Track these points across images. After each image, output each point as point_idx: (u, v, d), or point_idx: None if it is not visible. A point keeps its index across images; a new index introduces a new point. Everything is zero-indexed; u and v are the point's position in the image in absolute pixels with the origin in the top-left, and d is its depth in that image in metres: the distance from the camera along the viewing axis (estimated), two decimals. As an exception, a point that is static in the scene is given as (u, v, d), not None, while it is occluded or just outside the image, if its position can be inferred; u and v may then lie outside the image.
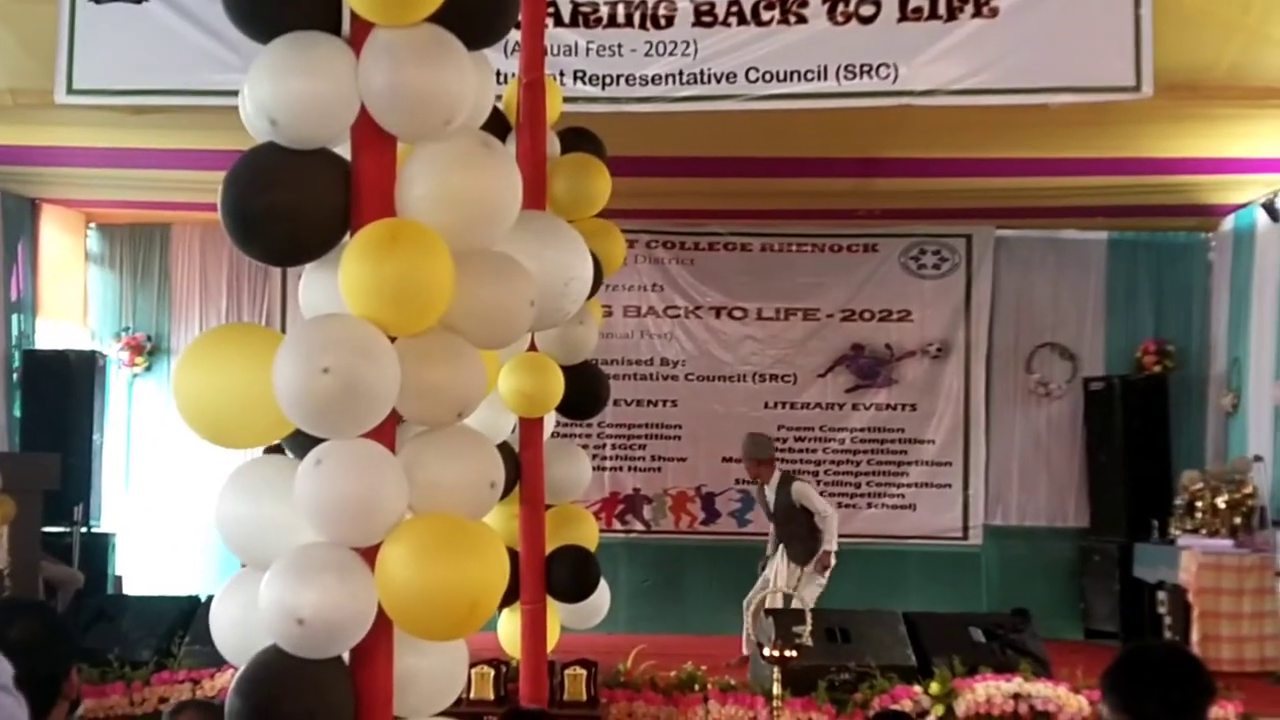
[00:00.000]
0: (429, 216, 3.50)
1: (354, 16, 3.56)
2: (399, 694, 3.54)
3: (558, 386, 6.06)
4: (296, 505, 3.41)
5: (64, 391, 13.11)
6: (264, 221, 3.50)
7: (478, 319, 3.59)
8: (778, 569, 11.30)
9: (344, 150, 3.61)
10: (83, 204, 13.96)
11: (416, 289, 3.42)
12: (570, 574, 6.26)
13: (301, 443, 3.51)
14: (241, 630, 3.57)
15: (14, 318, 13.32)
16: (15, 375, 13.27)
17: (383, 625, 3.46)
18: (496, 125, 6.16)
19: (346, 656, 3.48)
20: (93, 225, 14.49)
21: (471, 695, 9.40)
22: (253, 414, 3.51)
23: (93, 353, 13.66)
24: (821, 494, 12.00)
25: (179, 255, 14.45)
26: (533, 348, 6.11)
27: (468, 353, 3.57)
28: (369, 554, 3.44)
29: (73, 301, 14.21)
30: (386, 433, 3.52)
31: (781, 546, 11.41)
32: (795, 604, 10.57)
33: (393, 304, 3.41)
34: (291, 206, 3.49)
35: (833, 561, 11.39)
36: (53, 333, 13.76)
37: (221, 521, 3.61)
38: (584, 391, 6.31)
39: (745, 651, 10.88)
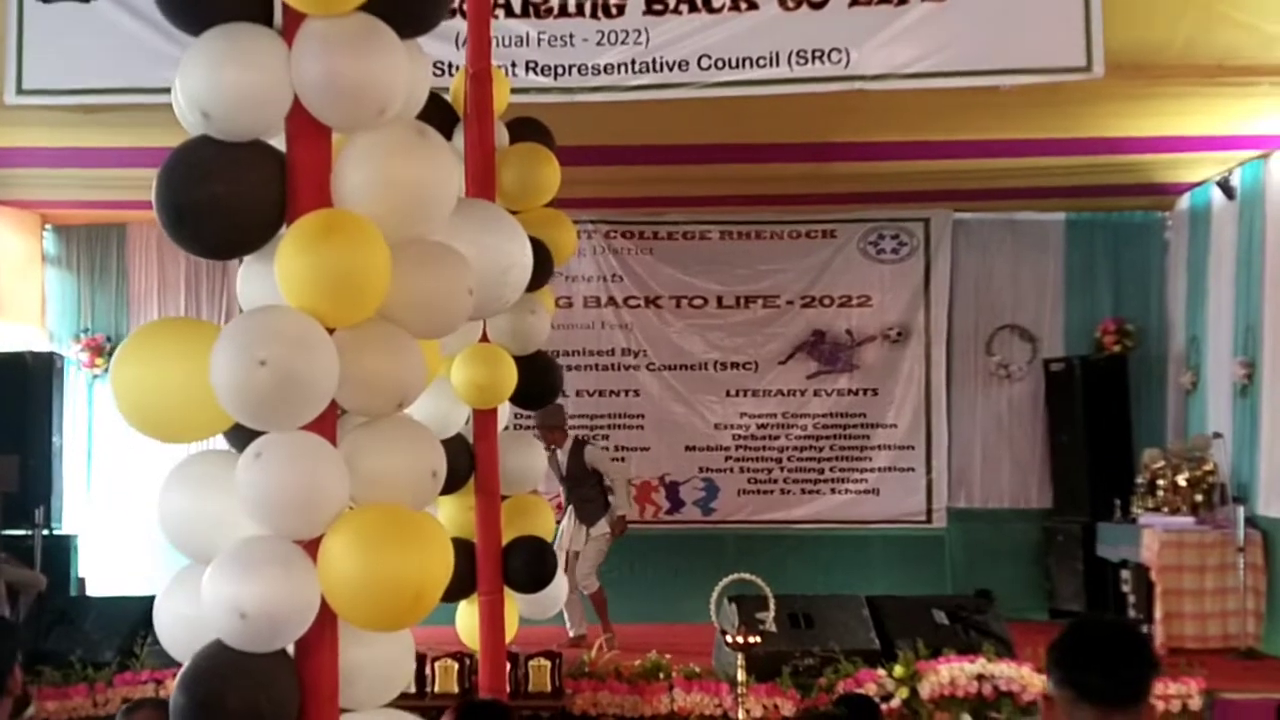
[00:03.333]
0: (365, 206, 3.49)
1: (286, 7, 3.54)
2: (345, 686, 3.53)
3: (510, 377, 6.04)
4: (237, 499, 3.40)
5: (22, 394, 13.02)
6: (199, 215, 3.48)
7: (416, 308, 3.58)
8: (565, 529, 11.72)
9: (279, 142, 3.60)
10: (38, 205, 13.86)
11: (353, 279, 3.41)
12: (527, 564, 6.24)
13: (242, 436, 3.50)
14: (187, 626, 3.55)
15: (-31, 321, 13.26)
16: (-28, 378, 13.20)
17: (326, 617, 3.45)
18: (444, 116, 6.16)
19: (291, 649, 3.47)
20: (48, 226, 14.40)
21: (436, 689, 9.41)
22: (192, 408, 3.49)
23: (51, 354, 13.57)
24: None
25: (136, 254, 14.38)
26: (485, 339, 6.09)
27: (407, 343, 3.56)
28: (311, 546, 3.43)
29: (30, 303, 14.12)
30: (327, 424, 3.51)
31: (571, 508, 11.90)
32: (581, 564, 11.66)
33: (329, 295, 3.40)
34: (226, 199, 3.47)
35: (627, 527, 12.07)
36: (10, 335, 13.65)
37: (163, 517, 3.60)
38: (537, 381, 6.30)
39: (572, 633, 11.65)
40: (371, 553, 3.38)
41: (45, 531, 12.23)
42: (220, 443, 3.69)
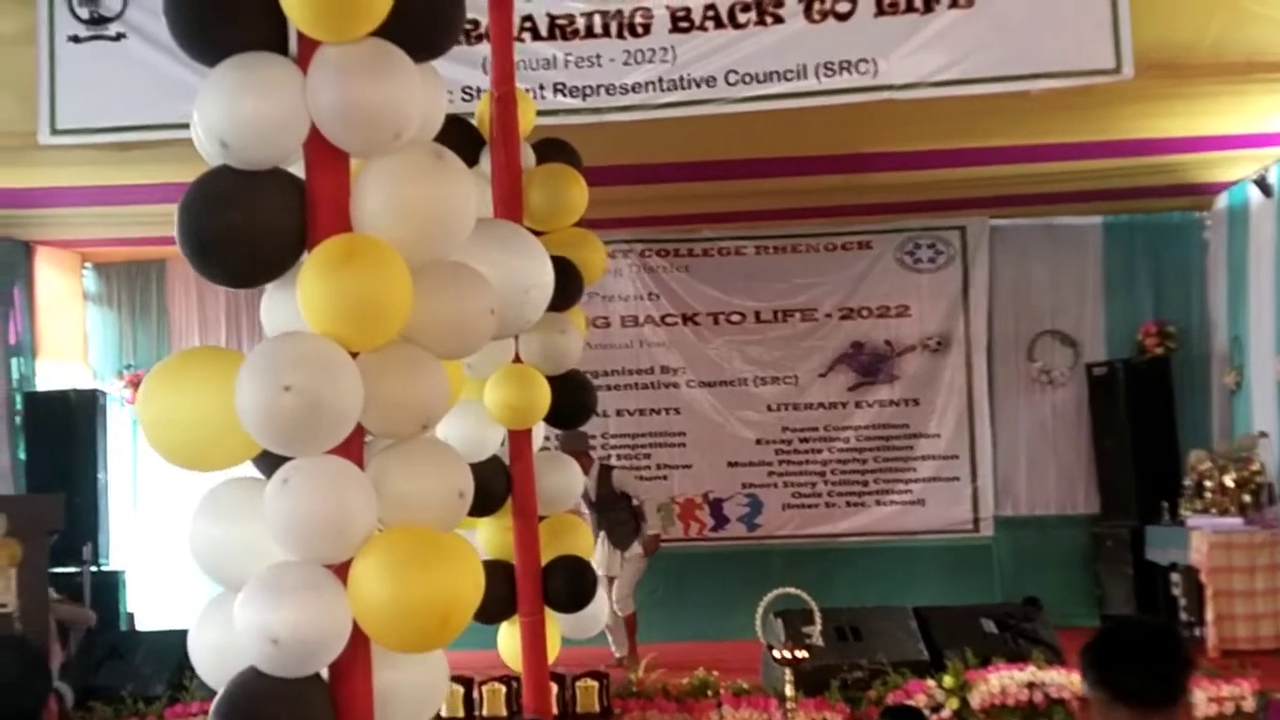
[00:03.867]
0: (384, 230, 3.50)
1: (301, 35, 3.56)
2: (379, 709, 3.53)
3: (544, 397, 6.04)
4: (266, 525, 3.41)
5: (67, 432, 13.14)
6: (220, 244, 3.50)
7: (438, 330, 3.59)
8: (599, 556, 11.54)
9: (299, 169, 3.61)
10: (77, 244, 13.99)
11: (374, 303, 3.43)
12: (567, 584, 6.24)
13: (270, 462, 3.51)
14: (221, 654, 3.56)
15: (13, 361, 13.38)
16: (17, 418, 13.33)
17: (359, 641, 3.46)
18: (470, 140, 6.18)
19: (325, 674, 3.47)
20: (88, 265, 14.54)
21: (484, 713, 9.42)
22: (219, 436, 3.51)
23: (94, 392, 13.68)
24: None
25: (176, 290, 14.49)
26: (517, 360, 6.10)
27: (430, 364, 3.57)
28: (341, 570, 3.44)
29: (72, 342, 14.25)
30: (354, 448, 3.52)
31: (603, 533, 11.68)
32: (619, 587, 11.54)
33: (351, 319, 3.41)
34: (247, 228, 3.49)
35: (659, 545, 12.00)
36: (53, 374, 13.78)
37: (194, 545, 3.62)
38: (571, 401, 6.30)
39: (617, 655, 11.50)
40: (400, 575, 3.38)
41: (94, 568, 12.32)
42: (250, 470, 3.70)
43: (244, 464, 3.67)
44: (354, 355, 3.45)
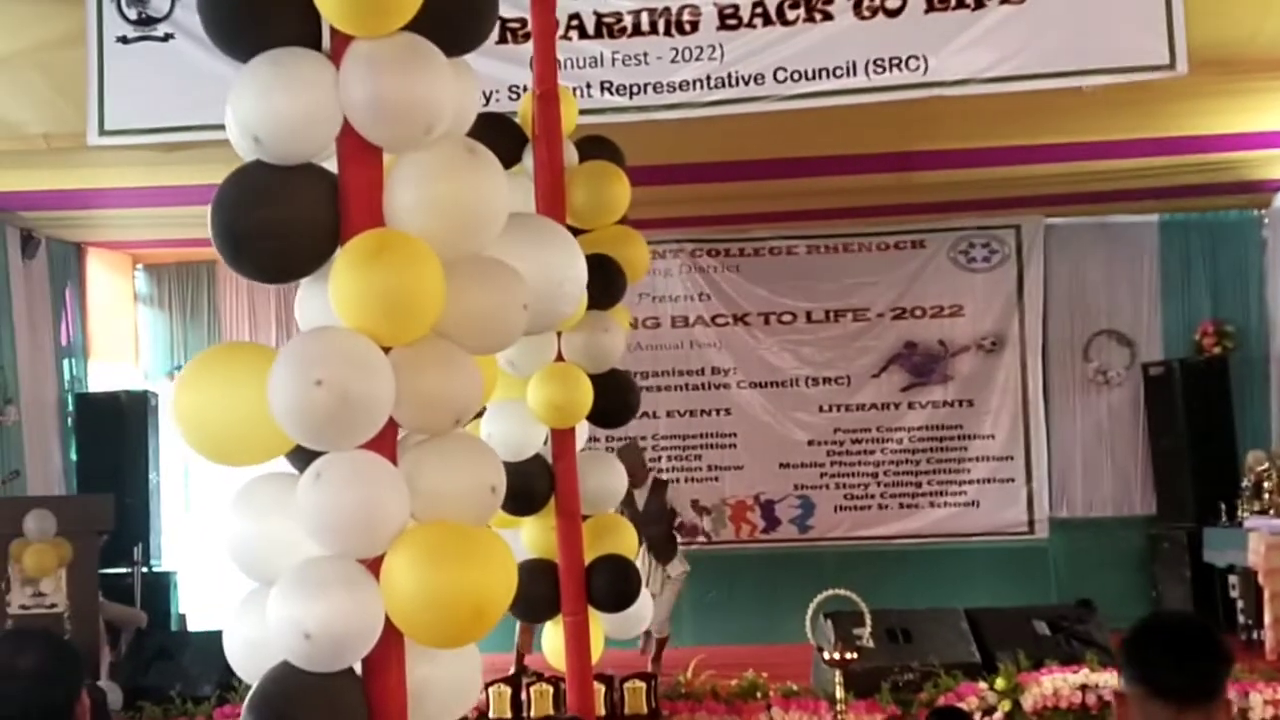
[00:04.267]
0: (416, 225, 3.48)
1: (333, 30, 3.54)
2: (414, 704, 3.51)
3: (586, 396, 6.00)
4: (299, 519, 3.40)
5: (118, 432, 13.24)
6: (253, 239, 3.49)
7: (471, 325, 3.56)
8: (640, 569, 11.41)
9: (332, 165, 3.60)
10: (128, 245, 14.11)
11: (406, 298, 3.40)
12: (611, 583, 6.19)
13: (303, 457, 3.50)
14: (254, 649, 3.55)
15: (65, 362, 13.51)
16: (69, 419, 13.43)
17: (392, 636, 3.44)
18: (513, 138, 6.16)
19: (359, 668, 3.46)
20: (139, 266, 14.67)
21: (532, 714, 9.41)
22: (253, 431, 3.49)
23: (145, 392, 13.77)
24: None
25: (226, 291, 14.58)
26: (560, 359, 6.07)
27: (463, 359, 3.55)
28: (374, 565, 3.42)
29: (123, 343, 14.36)
30: (387, 443, 3.49)
31: (644, 547, 11.20)
32: (659, 608, 10.80)
33: (383, 314, 3.39)
34: (280, 223, 3.47)
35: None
36: (105, 375, 13.90)
37: (228, 541, 3.61)
38: (613, 399, 6.24)
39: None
40: (433, 569, 3.36)
41: (145, 569, 12.40)
42: (284, 465, 3.69)
43: (278, 459, 3.67)
44: (387, 351, 3.44)
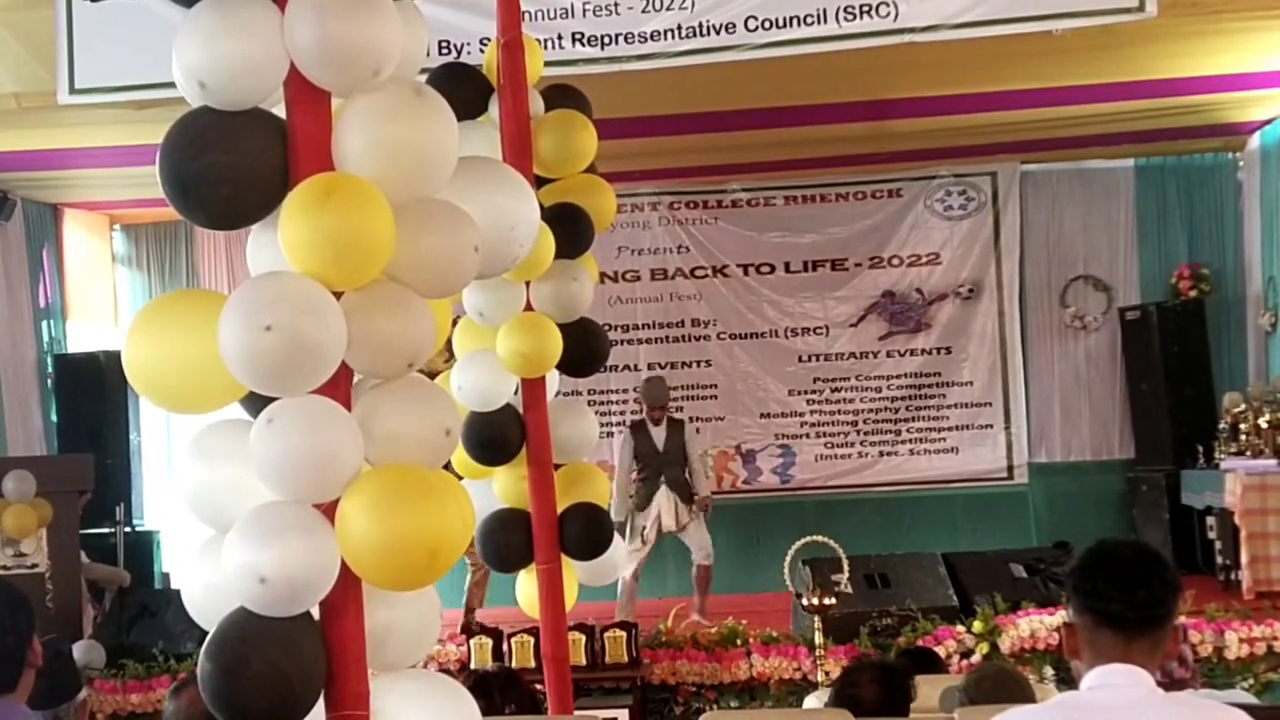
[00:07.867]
0: (366, 169, 3.47)
1: (278, -27, 3.53)
2: (374, 648, 3.52)
3: (555, 345, 6.01)
4: (253, 465, 3.40)
5: (98, 393, 13.22)
6: (201, 185, 3.47)
7: (422, 268, 3.55)
8: (663, 509, 11.54)
9: (280, 110, 3.59)
10: (105, 206, 14.06)
11: (356, 242, 3.39)
12: (583, 531, 6.22)
13: (256, 404, 3.50)
14: (212, 595, 3.56)
15: (44, 324, 13.48)
16: (49, 380, 13.40)
17: (349, 580, 3.44)
18: (478, 88, 6.15)
19: (317, 613, 3.47)
20: (117, 227, 14.63)
21: (514, 663, 9.44)
22: (205, 378, 3.48)
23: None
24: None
25: (204, 251, 14.56)
26: (529, 308, 6.08)
27: (415, 303, 3.54)
28: (329, 510, 3.43)
29: (102, 304, 14.34)
30: (341, 388, 3.49)
31: (665, 487, 11.62)
32: (701, 536, 11.63)
33: (333, 258, 3.38)
34: (228, 168, 3.45)
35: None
36: (84, 336, 13.88)
37: (184, 488, 3.61)
38: (583, 348, 6.25)
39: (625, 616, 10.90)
40: (388, 512, 3.36)
41: (127, 529, 12.40)
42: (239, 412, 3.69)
43: (234, 406, 3.67)
44: (338, 295, 3.43)
